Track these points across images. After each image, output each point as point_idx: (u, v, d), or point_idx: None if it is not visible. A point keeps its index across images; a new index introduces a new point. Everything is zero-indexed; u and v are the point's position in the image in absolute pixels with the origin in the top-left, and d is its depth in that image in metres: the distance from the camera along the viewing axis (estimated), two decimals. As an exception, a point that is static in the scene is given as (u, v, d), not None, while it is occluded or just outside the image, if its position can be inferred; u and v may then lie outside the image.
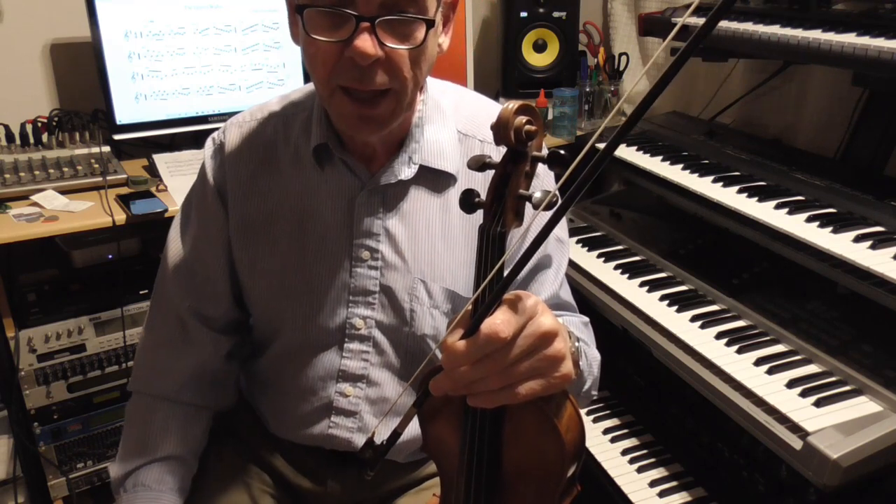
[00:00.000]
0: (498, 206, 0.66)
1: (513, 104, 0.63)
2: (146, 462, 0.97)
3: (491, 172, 0.67)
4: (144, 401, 1.02)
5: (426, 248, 0.96)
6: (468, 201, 0.67)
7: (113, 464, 1.00)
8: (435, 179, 0.96)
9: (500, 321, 0.60)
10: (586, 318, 1.03)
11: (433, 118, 0.95)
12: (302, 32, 0.80)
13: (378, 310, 0.97)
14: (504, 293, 0.61)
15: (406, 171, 0.93)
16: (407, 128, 0.93)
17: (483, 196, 0.67)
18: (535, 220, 0.64)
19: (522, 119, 0.63)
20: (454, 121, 0.97)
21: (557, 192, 0.59)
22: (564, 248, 1.05)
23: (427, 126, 0.94)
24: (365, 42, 0.76)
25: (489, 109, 1.01)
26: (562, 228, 1.04)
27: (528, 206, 0.65)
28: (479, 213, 0.97)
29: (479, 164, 0.68)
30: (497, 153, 0.75)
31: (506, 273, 0.61)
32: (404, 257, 0.95)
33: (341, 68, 0.79)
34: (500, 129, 0.63)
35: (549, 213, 0.59)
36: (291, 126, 0.97)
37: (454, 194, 0.96)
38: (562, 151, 0.63)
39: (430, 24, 0.80)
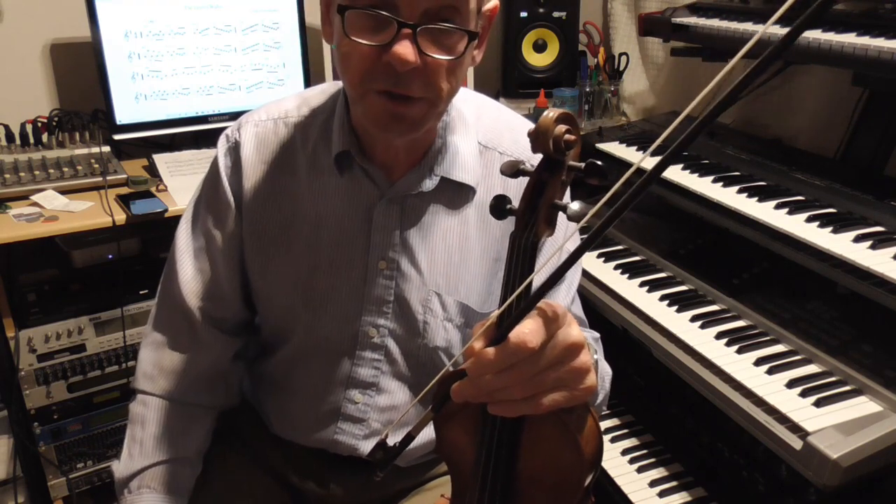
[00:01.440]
0: (531, 215, 0.65)
1: (553, 112, 0.62)
2: (151, 464, 0.97)
3: (510, 184, 0.67)
4: (148, 400, 1.01)
5: (442, 260, 0.96)
6: (499, 207, 0.66)
7: (116, 463, 0.99)
8: (455, 191, 0.95)
9: (528, 330, 0.59)
10: (597, 334, 1.03)
11: (456, 129, 0.94)
12: (340, 33, 0.78)
13: (392, 319, 0.96)
14: (535, 304, 0.60)
15: (427, 183, 0.92)
16: (431, 137, 0.92)
17: (513, 202, 0.66)
18: (574, 232, 0.63)
19: (563, 128, 0.62)
20: (475, 132, 0.96)
21: (598, 208, 0.58)
22: (577, 264, 1.04)
23: (450, 137, 0.93)
24: (405, 48, 0.74)
25: (510, 121, 1.00)
26: (576, 244, 1.04)
27: (561, 216, 0.64)
28: (498, 227, 0.96)
29: (513, 170, 0.67)
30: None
31: (538, 284, 0.59)
32: (420, 269, 0.95)
33: (377, 72, 0.77)
34: (539, 137, 0.62)
35: (574, 225, 0.59)
36: (310, 129, 0.96)
37: (473, 207, 0.96)
38: (599, 162, 0.62)
39: (473, 36, 0.78)
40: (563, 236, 0.95)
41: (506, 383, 0.61)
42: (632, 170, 0.52)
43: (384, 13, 0.74)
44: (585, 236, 0.57)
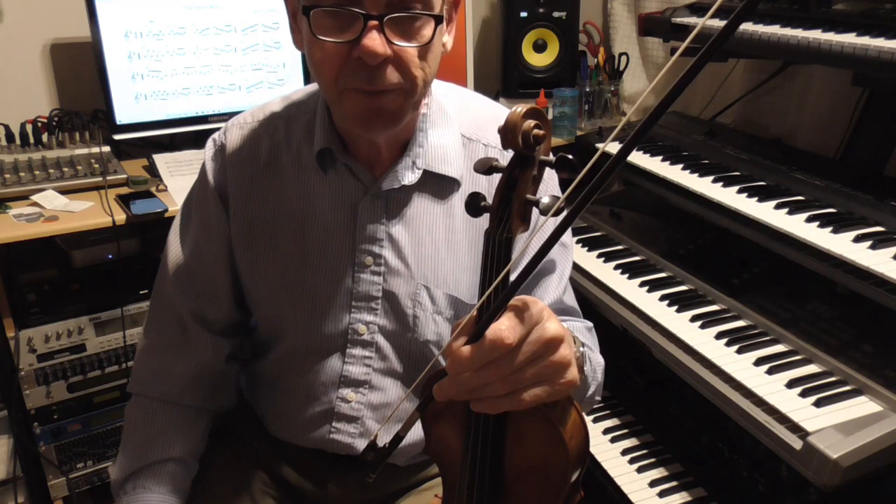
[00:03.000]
0: (504, 211, 0.65)
1: (521, 108, 0.62)
2: (147, 464, 0.97)
3: (497, 176, 0.67)
4: (144, 402, 1.01)
5: (429, 253, 0.96)
6: (474, 205, 0.66)
7: (113, 465, 1.00)
8: (439, 184, 0.95)
9: (505, 327, 0.59)
10: (590, 324, 1.03)
11: (437, 122, 0.94)
12: (308, 35, 0.80)
13: (381, 315, 0.96)
14: (510, 299, 0.60)
15: (410, 176, 0.93)
16: (411, 131, 0.93)
17: (489, 200, 0.66)
18: (542, 225, 0.64)
19: (531, 123, 0.62)
20: (458, 124, 0.97)
21: (565, 199, 0.58)
22: (568, 252, 1.04)
23: (431, 130, 0.93)
24: (373, 41, 0.75)
25: (493, 112, 1.00)
26: (566, 233, 1.04)
27: (535, 211, 0.65)
28: (484, 218, 0.97)
29: (485, 167, 0.67)
30: (502, 156, 0.73)
31: (512, 279, 0.60)
32: (407, 263, 0.95)
33: (350, 70, 0.78)
34: (508, 133, 0.62)
35: (555, 219, 0.58)
36: (293, 128, 0.96)
37: (458, 199, 0.96)
38: (570, 156, 0.62)
39: (438, 20, 0.79)
40: (533, 232, 0.95)
41: (485, 380, 0.61)
42: (595, 157, 0.53)
43: (349, 8, 0.75)
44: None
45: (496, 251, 0.65)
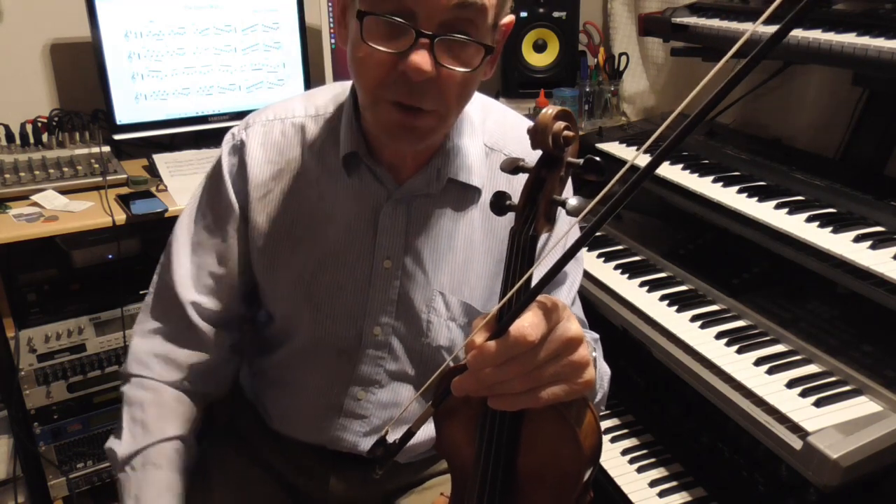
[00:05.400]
0: (530, 211, 0.65)
1: (552, 109, 0.63)
2: (155, 441, 0.96)
3: (515, 187, 0.67)
4: (146, 383, 0.99)
5: (447, 261, 0.96)
6: (499, 203, 0.67)
7: (117, 443, 0.98)
8: (461, 193, 0.95)
9: (528, 324, 0.60)
10: (596, 335, 1.03)
11: (463, 131, 0.94)
12: (356, 37, 0.79)
13: (396, 318, 0.96)
14: (534, 298, 0.61)
15: (434, 184, 0.93)
16: (439, 140, 0.92)
17: (514, 200, 0.67)
18: (573, 226, 0.64)
19: (561, 124, 0.63)
20: (481, 133, 0.97)
21: (595, 203, 0.59)
22: (579, 264, 1.05)
23: (457, 139, 0.93)
24: (422, 58, 0.74)
25: (515, 122, 1.01)
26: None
27: (560, 212, 0.65)
28: (503, 228, 0.97)
29: (512, 166, 0.68)
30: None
31: (537, 278, 0.60)
32: (425, 269, 0.95)
33: (391, 81, 0.78)
34: (539, 134, 0.63)
35: (576, 221, 0.58)
36: (317, 129, 0.96)
37: (478, 208, 0.96)
38: (597, 158, 0.62)
39: (489, 50, 0.79)
40: (564, 232, 0.95)
41: (506, 377, 0.61)
42: (627, 166, 0.53)
43: (403, 22, 0.75)
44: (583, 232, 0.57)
45: (520, 250, 0.65)
